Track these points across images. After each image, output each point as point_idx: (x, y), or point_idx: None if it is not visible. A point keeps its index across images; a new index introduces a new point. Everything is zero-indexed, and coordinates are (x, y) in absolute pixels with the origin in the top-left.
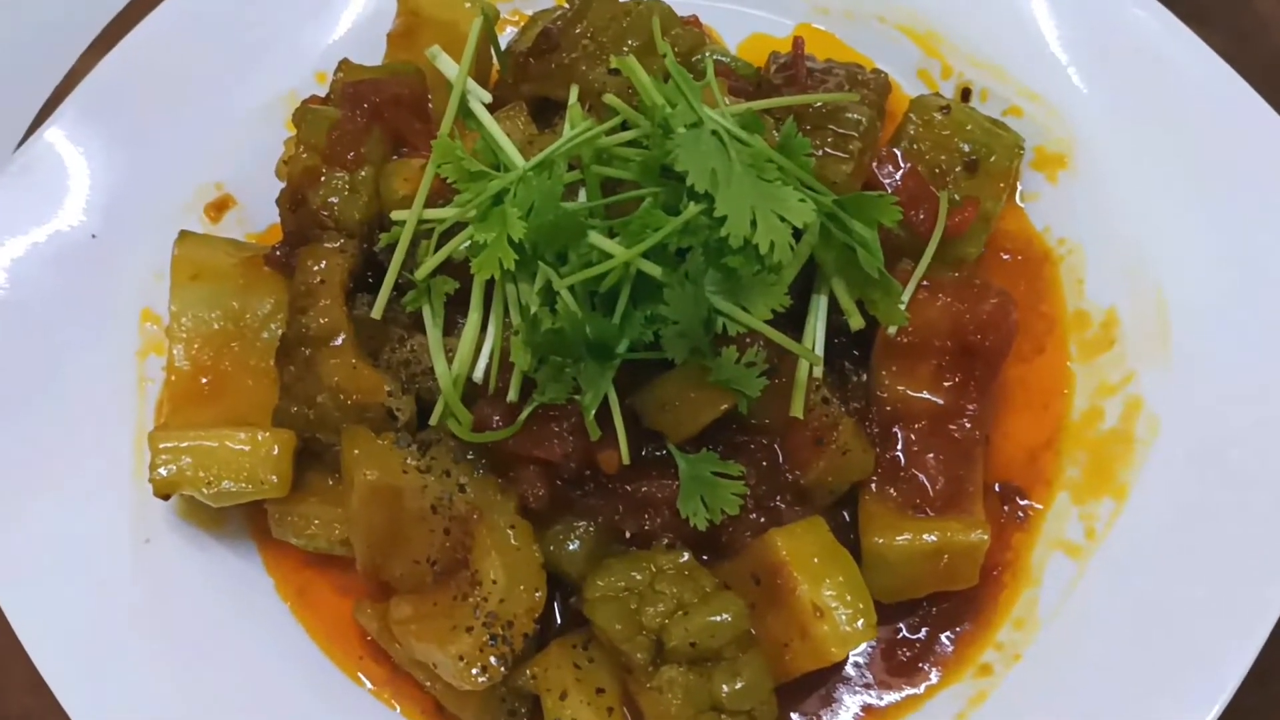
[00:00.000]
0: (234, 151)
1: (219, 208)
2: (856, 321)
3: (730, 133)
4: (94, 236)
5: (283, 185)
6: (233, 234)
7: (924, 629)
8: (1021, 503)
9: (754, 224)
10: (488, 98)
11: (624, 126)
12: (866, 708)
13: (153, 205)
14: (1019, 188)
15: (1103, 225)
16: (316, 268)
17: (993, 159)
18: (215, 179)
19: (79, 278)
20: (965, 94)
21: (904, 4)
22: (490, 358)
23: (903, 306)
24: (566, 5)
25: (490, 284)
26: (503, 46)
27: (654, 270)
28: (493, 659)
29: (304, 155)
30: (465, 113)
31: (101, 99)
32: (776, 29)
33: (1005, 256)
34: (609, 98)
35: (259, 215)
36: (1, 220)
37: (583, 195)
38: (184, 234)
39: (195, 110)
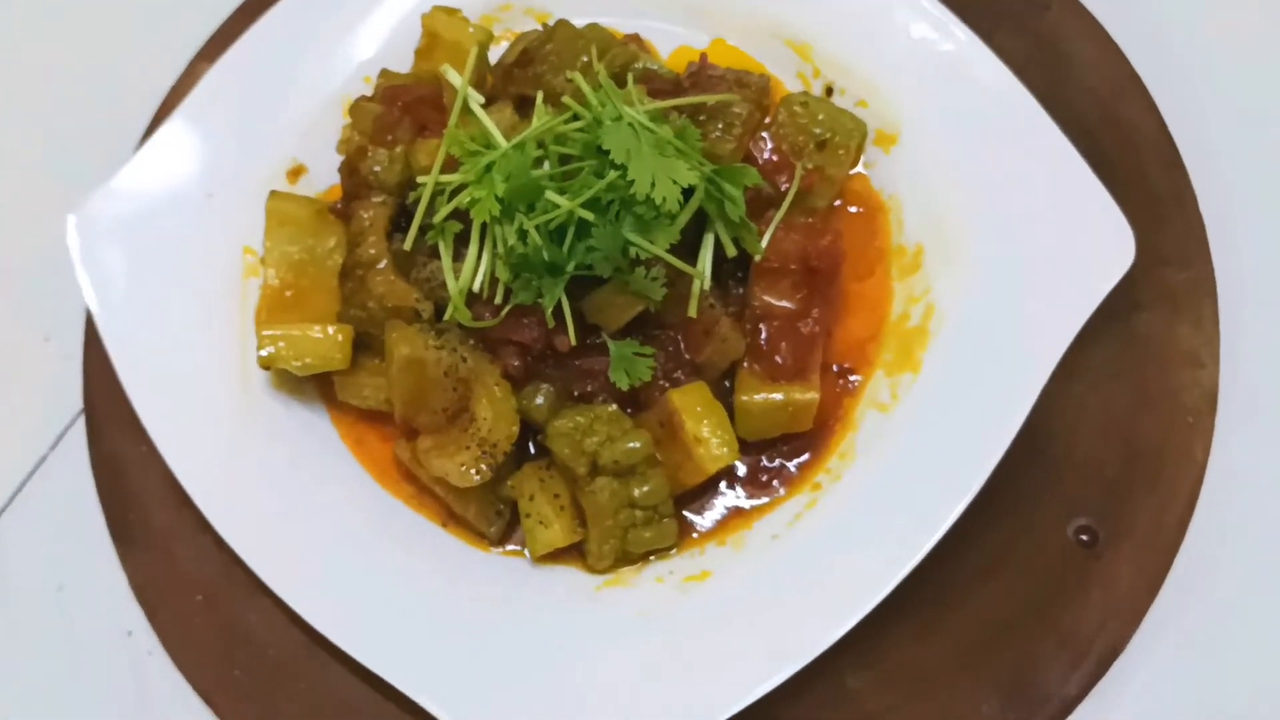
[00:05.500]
0: (306, 135)
1: (295, 174)
2: (730, 251)
3: (641, 123)
4: (210, 195)
5: (341, 158)
6: (305, 192)
7: (778, 459)
8: (852, 378)
9: (653, 185)
10: (481, 99)
11: (575, 118)
12: (735, 510)
13: (250, 173)
14: (863, 159)
15: (915, 185)
16: (366, 215)
17: (836, 138)
18: (293, 154)
19: (201, 225)
20: (829, 90)
21: (786, 24)
22: (484, 275)
23: (763, 243)
24: (542, 28)
25: (483, 226)
26: (498, 57)
27: (589, 215)
28: (483, 465)
29: (356, 137)
30: (466, 110)
31: (209, 98)
32: (698, 42)
33: (852, 209)
34: (565, 99)
35: (323, 179)
36: (141, 189)
37: (546, 165)
38: (273, 193)
39: (277, 105)
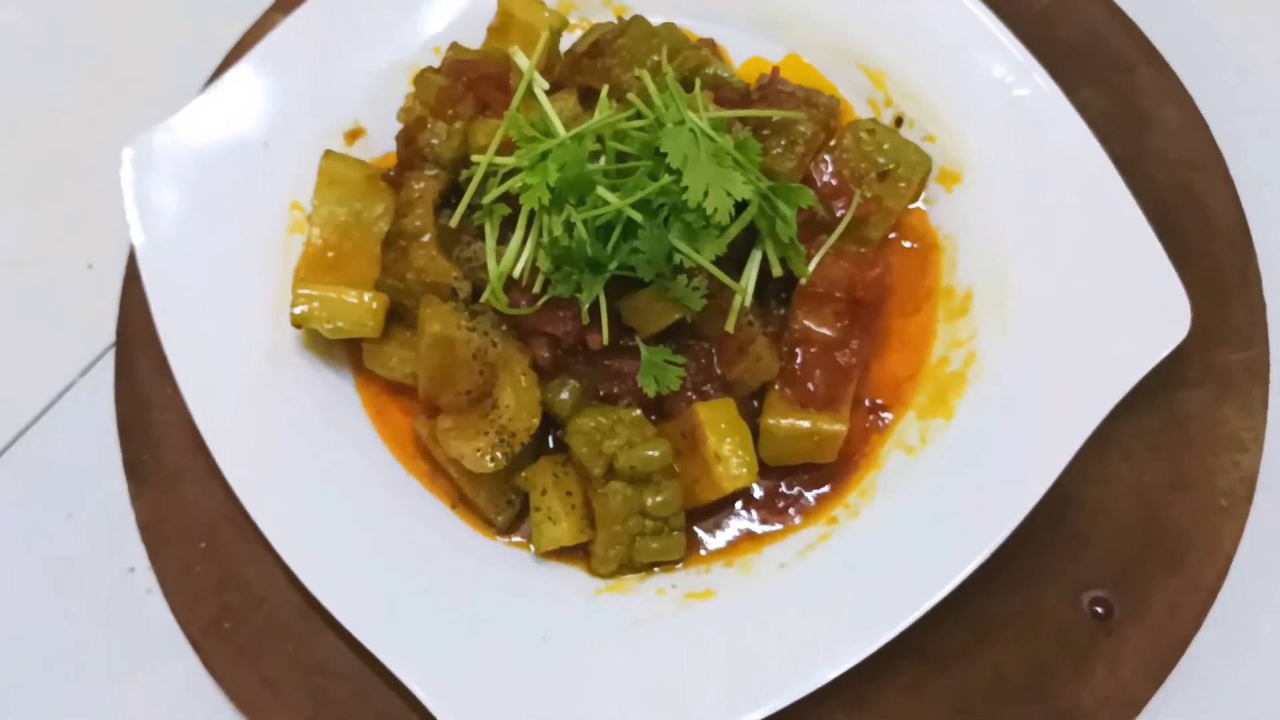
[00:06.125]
0: (368, 98)
1: (353, 136)
2: (776, 270)
3: (703, 130)
4: (266, 145)
5: (400, 126)
6: (361, 155)
7: (797, 488)
8: (883, 415)
9: (706, 194)
10: (546, 85)
11: (637, 117)
12: (746, 533)
13: (308, 129)
14: (923, 194)
15: (973, 227)
16: (417, 187)
17: (899, 170)
18: (353, 116)
19: (253, 174)
20: (899, 120)
21: (864, 49)
22: (525, 263)
23: (810, 266)
24: (617, 21)
25: (531, 213)
26: (569, 45)
27: (638, 216)
28: (498, 453)
29: (418, 107)
30: (530, 95)
31: (278, 49)
32: (773, 54)
33: (906, 244)
34: (630, 96)
35: (380, 145)
36: (199, 130)
37: (602, 160)
38: (328, 152)
39: (345, 65)
